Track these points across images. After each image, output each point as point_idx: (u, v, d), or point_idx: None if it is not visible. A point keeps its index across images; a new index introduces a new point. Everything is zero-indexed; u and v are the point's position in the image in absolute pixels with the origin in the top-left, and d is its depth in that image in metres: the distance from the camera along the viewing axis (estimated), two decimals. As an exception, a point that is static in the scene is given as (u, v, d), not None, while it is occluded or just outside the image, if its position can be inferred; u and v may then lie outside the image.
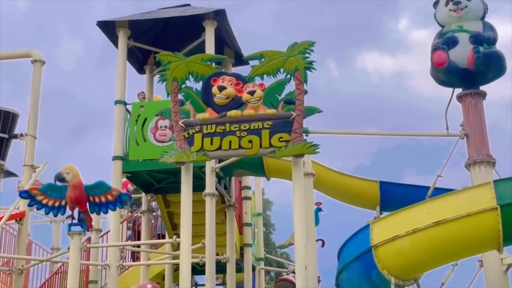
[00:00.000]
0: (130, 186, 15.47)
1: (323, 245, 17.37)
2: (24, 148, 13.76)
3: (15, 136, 14.00)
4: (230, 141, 10.40)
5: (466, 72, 11.57)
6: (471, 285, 11.68)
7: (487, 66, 11.56)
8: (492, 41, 11.74)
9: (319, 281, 13.55)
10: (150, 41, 14.76)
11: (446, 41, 11.77)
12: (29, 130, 13.78)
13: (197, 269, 13.23)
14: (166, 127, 12.53)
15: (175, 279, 14.82)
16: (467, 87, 11.79)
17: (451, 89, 12.00)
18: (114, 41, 13.99)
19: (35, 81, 14.10)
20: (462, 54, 11.51)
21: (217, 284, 13.46)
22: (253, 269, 16.51)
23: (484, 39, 11.59)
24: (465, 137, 11.67)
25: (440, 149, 11.93)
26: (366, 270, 10.46)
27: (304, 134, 10.28)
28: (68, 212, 11.23)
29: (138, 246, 15.57)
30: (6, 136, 13.90)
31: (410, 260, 10.09)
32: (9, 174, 16.54)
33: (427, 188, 12.14)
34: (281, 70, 10.30)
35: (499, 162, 11.46)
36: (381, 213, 13.13)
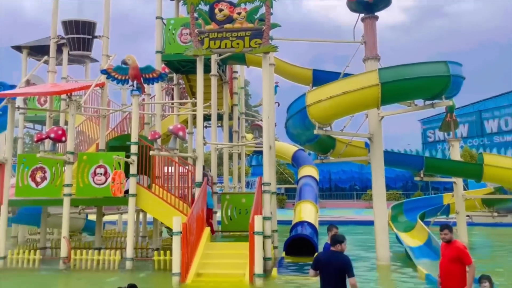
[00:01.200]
0: (167, 70, 15.11)
1: (278, 105, 17.52)
2: (102, 45, 13.25)
3: (96, 37, 13.43)
4: (226, 43, 10.24)
5: (367, 4, 11.10)
6: (360, 127, 11.92)
7: (380, 0, 11.12)
8: (383, -16, 11.18)
9: (275, 125, 13.80)
10: (177, -21, 13.81)
11: (356, -16, 11.16)
12: (104, 33, 13.17)
13: (206, 118, 13.36)
14: (187, 33, 12.09)
15: (194, 123, 15.02)
16: (367, 13, 11.36)
17: (358, 14, 11.55)
18: (155, -21, 13.10)
19: (106, 2, 13.28)
20: (366, -8, 10.99)
21: (217, 126, 13.61)
22: (238, 118, 16.71)
23: (378, -17, 11.02)
24: (364, 43, 11.44)
25: (349, 51, 11.75)
26: (303, 119, 10.63)
27: (270, 40, 10.09)
28: (130, 83, 11.11)
29: (173, 104, 15.57)
30: (90, 36, 13.35)
31: (327, 113, 10.24)
32: (94, 60, 16.09)
33: (339, 73, 12.08)
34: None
35: (382, 58, 11.37)
36: (312, 87, 13.10)
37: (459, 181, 14.62)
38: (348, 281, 5.06)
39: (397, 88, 9.75)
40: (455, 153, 14.94)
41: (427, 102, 10.56)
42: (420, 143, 45.00)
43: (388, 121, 12.08)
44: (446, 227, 6.22)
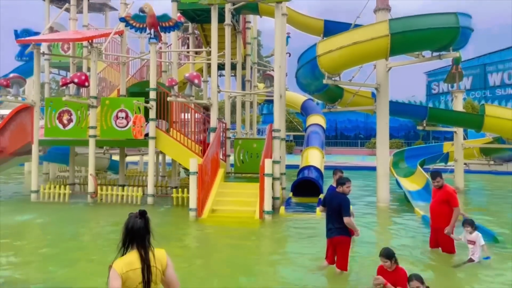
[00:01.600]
0: (182, 19, 14.64)
1: (289, 56, 17.02)
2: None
3: (114, -15, 13.05)
4: (240, -9, 9.77)
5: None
6: (368, 78, 11.62)
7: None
8: None
9: (286, 75, 13.52)
10: None
11: None
12: (122, -17, 12.74)
13: (220, 67, 13.12)
14: (202, -18, 11.58)
15: (208, 72, 14.78)
16: (381, -37, 10.69)
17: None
18: None
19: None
20: None
21: (231, 75, 13.39)
22: (251, 68, 16.37)
23: None
24: (375, -6, 10.88)
25: (360, 5, 11.14)
26: (313, 69, 10.39)
27: (283, -11, 9.65)
28: (148, 31, 10.84)
29: (188, 52, 15.27)
30: (109, -15, 12.99)
31: (337, 63, 9.98)
32: (113, 9, 15.64)
33: (350, 24, 11.60)
34: None
35: (393, 10, 10.82)
36: (323, 38, 12.65)
37: (459, 131, 14.44)
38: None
39: (406, 39, 9.38)
40: (458, 104, 14.62)
41: (435, 54, 10.18)
42: (424, 95, 44.11)
43: (394, 72, 11.71)
44: (438, 174, 6.30)
